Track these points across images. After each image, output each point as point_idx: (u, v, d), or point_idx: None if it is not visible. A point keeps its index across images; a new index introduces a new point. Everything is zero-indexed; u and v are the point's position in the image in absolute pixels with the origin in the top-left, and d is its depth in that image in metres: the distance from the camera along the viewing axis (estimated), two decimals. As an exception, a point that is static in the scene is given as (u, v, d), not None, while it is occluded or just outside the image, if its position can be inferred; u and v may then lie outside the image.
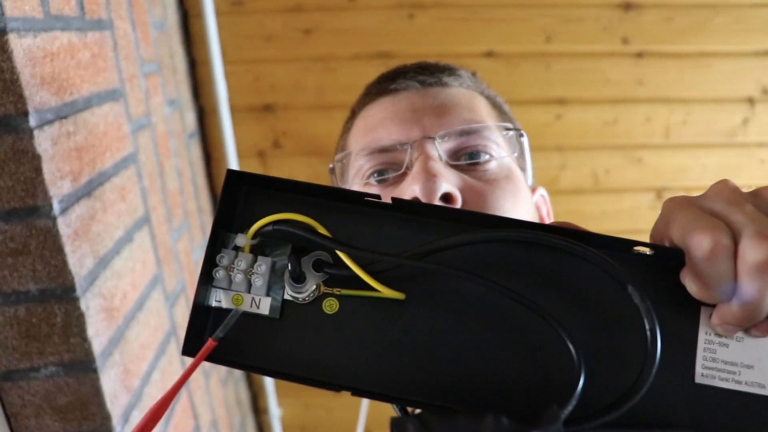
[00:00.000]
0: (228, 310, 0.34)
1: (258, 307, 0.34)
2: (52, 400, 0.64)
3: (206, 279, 0.34)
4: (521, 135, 0.60)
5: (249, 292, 0.34)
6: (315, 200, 0.35)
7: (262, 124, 1.38)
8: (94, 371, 0.64)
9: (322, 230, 0.34)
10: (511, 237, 0.33)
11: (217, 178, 1.40)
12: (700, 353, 0.33)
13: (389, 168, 0.55)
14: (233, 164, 1.37)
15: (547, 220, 0.63)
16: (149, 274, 0.84)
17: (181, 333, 0.98)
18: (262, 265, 0.34)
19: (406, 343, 0.34)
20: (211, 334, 0.33)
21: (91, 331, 0.63)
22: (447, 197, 0.50)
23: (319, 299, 0.34)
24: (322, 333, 0.34)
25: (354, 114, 0.64)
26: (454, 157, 0.54)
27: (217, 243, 0.35)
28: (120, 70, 0.81)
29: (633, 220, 1.49)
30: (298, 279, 0.34)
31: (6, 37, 0.53)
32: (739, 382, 0.33)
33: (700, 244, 0.30)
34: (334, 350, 0.34)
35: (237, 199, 0.36)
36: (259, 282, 0.34)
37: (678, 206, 0.32)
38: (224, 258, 0.34)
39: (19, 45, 0.54)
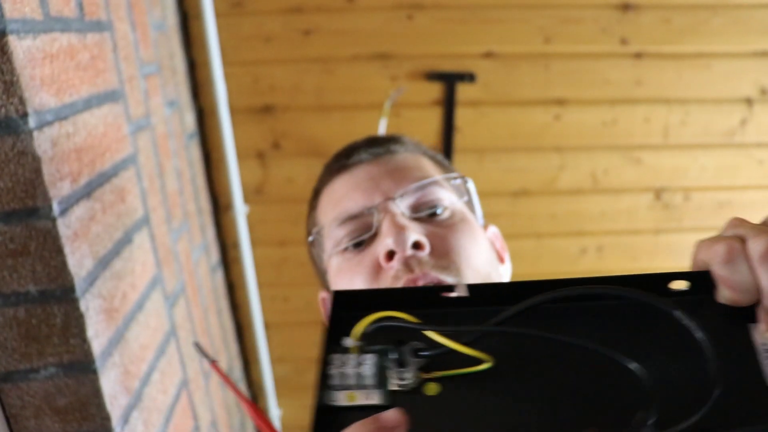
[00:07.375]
0: (344, 407, 0.38)
1: (370, 400, 0.38)
2: (52, 401, 0.64)
3: (324, 382, 0.38)
4: (466, 181, 0.70)
5: (360, 388, 0.38)
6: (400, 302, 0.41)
7: (262, 125, 1.38)
8: (94, 372, 0.64)
9: (413, 320, 0.39)
10: (578, 294, 0.39)
11: (216, 178, 1.40)
12: (763, 361, 0.35)
13: (361, 233, 0.63)
14: (233, 165, 1.37)
15: (502, 254, 0.71)
16: (149, 275, 0.84)
17: (181, 333, 0.98)
18: (369, 361, 0.39)
19: (505, 408, 0.37)
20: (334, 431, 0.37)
21: (91, 332, 0.63)
22: (417, 244, 0.58)
23: (420, 385, 0.38)
24: (429, 415, 0.37)
25: (318, 192, 0.72)
26: (415, 211, 0.63)
27: (330, 349, 0.40)
28: (119, 71, 0.81)
29: (632, 220, 1.49)
30: (402, 366, 0.38)
31: (6, 38, 0.53)
32: None
33: (717, 252, 0.36)
34: (444, 429, 0.37)
35: (342, 311, 0.42)
36: (368, 375, 0.38)
37: (700, 242, 0.38)
38: (336, 360, 0.39)
39: (18, 46, 0.55)
